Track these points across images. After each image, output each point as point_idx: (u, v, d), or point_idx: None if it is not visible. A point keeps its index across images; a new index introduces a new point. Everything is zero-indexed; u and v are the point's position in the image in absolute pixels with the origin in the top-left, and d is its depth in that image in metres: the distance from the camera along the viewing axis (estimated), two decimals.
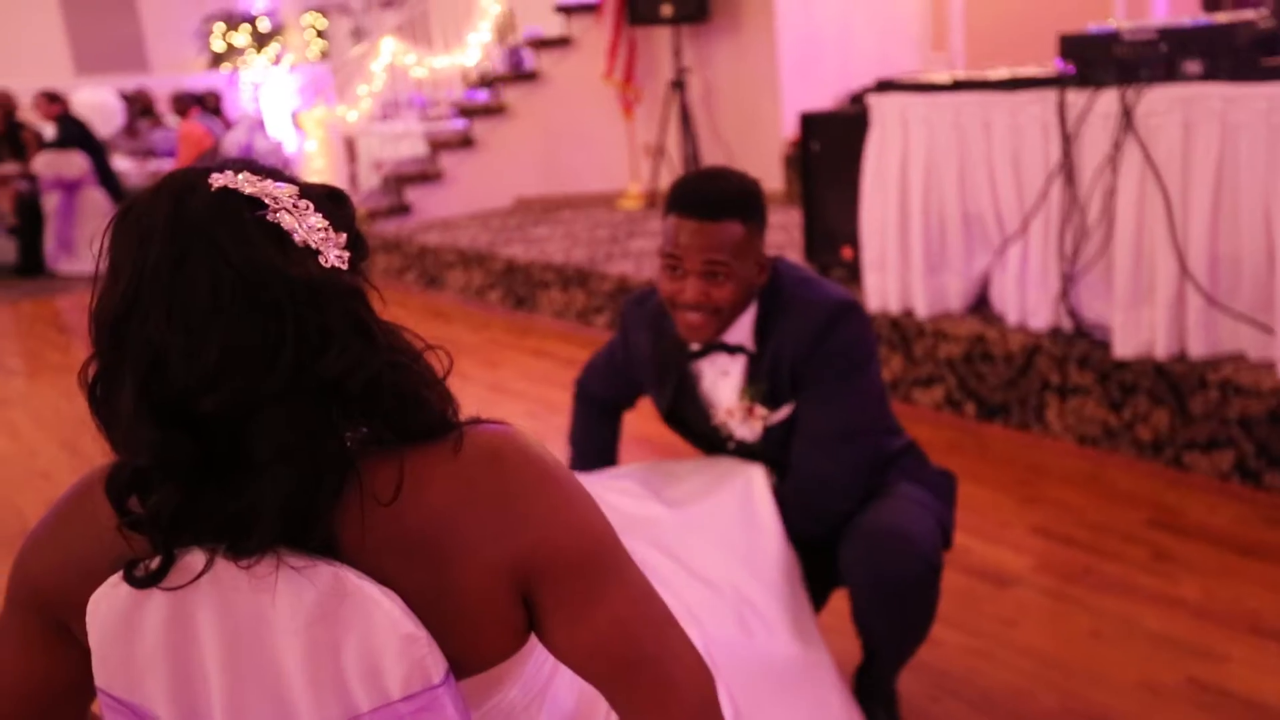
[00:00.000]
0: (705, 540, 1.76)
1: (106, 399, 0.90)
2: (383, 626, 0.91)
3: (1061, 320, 3.34)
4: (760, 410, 1.83)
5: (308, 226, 0.91)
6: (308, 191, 0.95)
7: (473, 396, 4.34)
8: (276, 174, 0.95)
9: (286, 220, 0.90)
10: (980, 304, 3.74)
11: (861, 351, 1.79)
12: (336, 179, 7.05)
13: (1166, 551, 2.68)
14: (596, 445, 2.16)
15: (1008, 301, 3.53)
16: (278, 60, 13.41)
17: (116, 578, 0.90)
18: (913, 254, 3.67)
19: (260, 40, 13.39)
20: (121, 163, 8.32)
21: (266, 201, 0.90)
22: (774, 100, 6.37)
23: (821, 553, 1.83)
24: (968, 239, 3.62)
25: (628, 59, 6.64)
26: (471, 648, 0.97)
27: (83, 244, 7.49)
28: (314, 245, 0.90)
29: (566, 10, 7.15)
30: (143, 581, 0.89)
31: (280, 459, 0.87)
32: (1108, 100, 3.07)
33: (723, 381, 1.87)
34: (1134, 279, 3.11)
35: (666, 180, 5.99)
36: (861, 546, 1.75)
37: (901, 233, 3.68)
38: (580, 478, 1.87)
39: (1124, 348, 3.15)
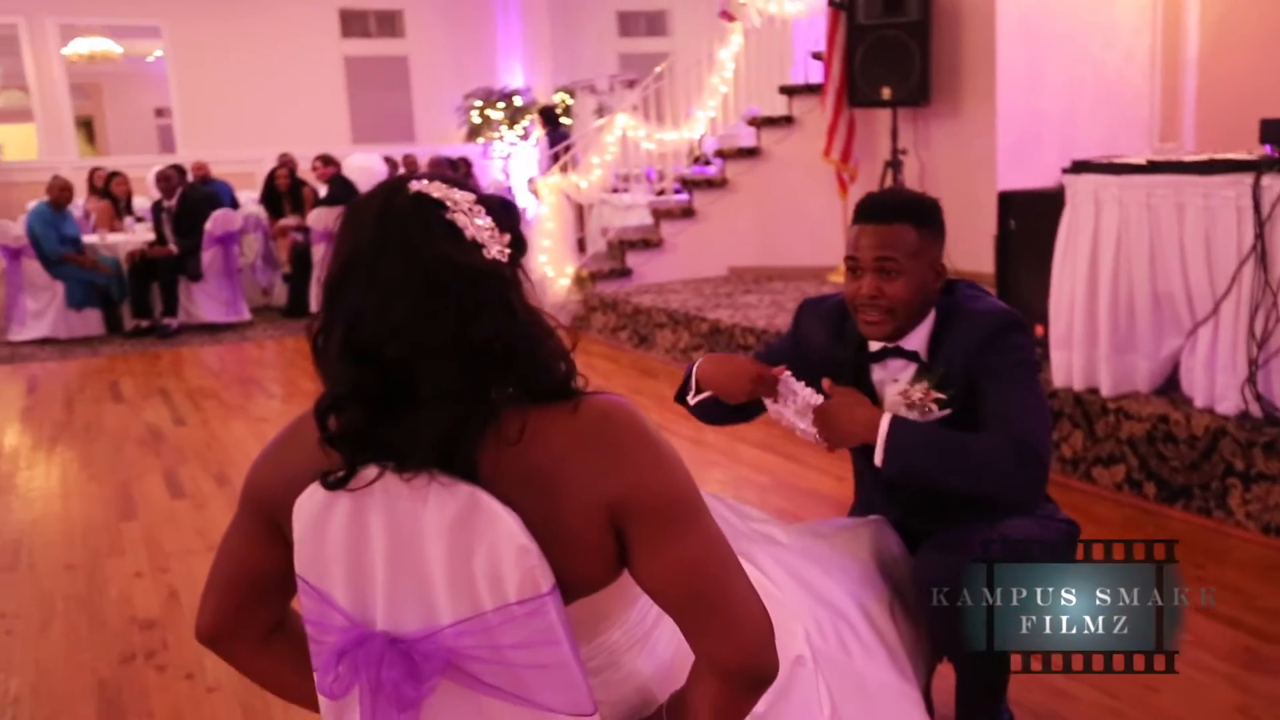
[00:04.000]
0: (820, 567, 1.88)
1: (323, 345, 1.21)
2: (504, 538, 1.17)
3: (1250, 405, 3.29)
4: (933, 394, 1.90)
5: (477, 225, 1.20)
6: (483, 199, 1.24)
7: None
8: (461, 184, 1.24)
9: (461, 220, 1.19)
10: (1170, 387, 3.71)
11: (1030, 357, 1.91)
12: (565, 242, 7.59)
13: None
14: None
15: (1195, 384, 3.50)
16: (526, 134, 14.44)
17: (315, 485, 1.21)
18: (1100, 332, 3.69)
19: (513, 115, 14.45)
20: None
21: (448, 204, 1.19)
22: (989, 183, 6.41)
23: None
24: (1157, 320, 3.62)
25: (846, 138, 6.87)
26: (573, 570, 1.21)
27: None
28: (481, 240, 1.19)
29: (790, 91, 7.48)
30: (332, 485, 1.18)
31: (439, 398, 1.15)
32: None
33: (890, 386, 1.97)
34: None
35: None
36: (927, 552, 1.88)
37: (1089, 311, 3.71)
38: (711, 501, 2.06)
39: None
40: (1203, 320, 3.43)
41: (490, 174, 14.01)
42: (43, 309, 7.83)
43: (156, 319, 7.98)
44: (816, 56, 7.22)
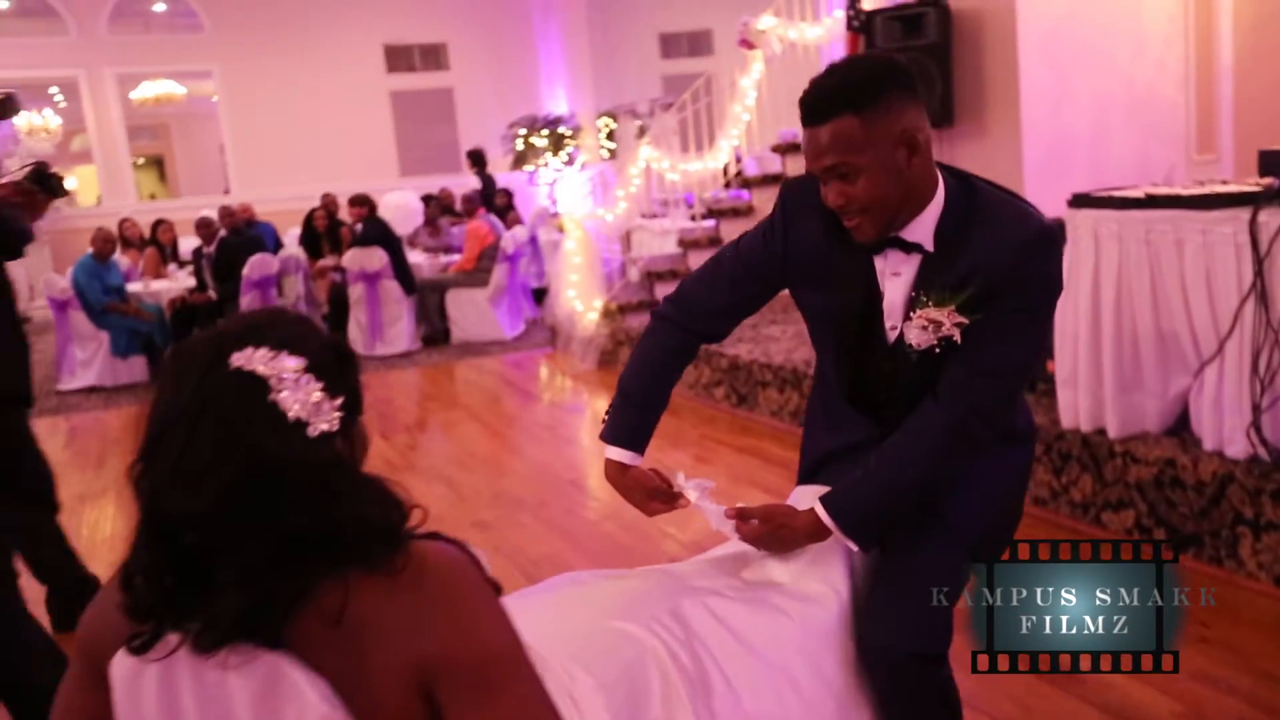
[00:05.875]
0: (767, 619, 1.76)
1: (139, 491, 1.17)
2: (309, 707, 1.13)
3: (1258, 449, 3.13)
4: (955, 317, 1.69)
5: (302, 401, 1.14)
6: (316, 361, 1.17)
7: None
8: (295, 344, 1.17)
9: (285, 399, 1.13)
10: (1181, 426, 3.55)
11: (1057, 284, 1.75)
12: (593, 276, 7.57)
13: None
14: (658, 380, 1.96)
15: (1204, 426, 3.34)
16: (571, 160, 14.49)
17: (124, 649, 1.18)
18: (1105, 372, 3.55)
19: (557, 142, 14.52)
20: (416, 256, 9.30)
21: (271, 383, 1.13)
22: None
23: None
24: (1163, 358, 3.47)
25: None
26: None
27: (382, 328, 8.42)
28: (305, 418, 1.14)
29: None
30: (135, 651, 1.15)
31: (240, 583, 1.10)
32: None
33: (892, 281, 1.78)
34: None
35: None
36: (871, 616, 1.76)
37: (1093, 349, 3.58)
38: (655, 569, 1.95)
39: None
40: (1208, 360, 3.28)
41: (536, 201, 14.08)
42: (90, 358, 8.03)
43: None
44: None
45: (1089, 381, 3.61)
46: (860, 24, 6.61)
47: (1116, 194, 3.55)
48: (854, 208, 1.68)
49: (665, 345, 1.96)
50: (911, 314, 1.73)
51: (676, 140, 9.16)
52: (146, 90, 14.81)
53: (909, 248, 1.74)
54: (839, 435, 1.96)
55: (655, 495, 1.90)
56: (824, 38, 7.10)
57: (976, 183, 1.77)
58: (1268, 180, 3.13)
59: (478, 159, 11.76)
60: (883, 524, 1.79)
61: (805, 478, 2.04)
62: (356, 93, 14.35)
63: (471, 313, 8.84)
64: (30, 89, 13.86)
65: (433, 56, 15.07)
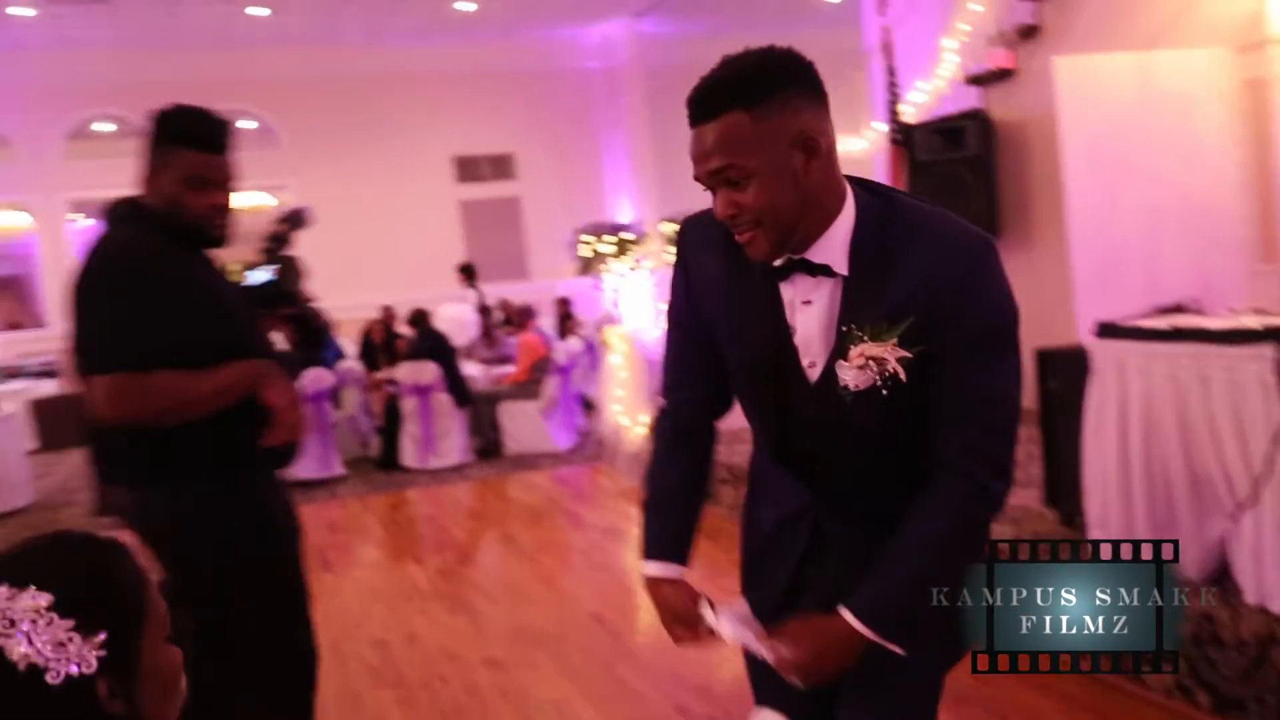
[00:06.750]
0: None
1: None
2: None
3: None
4: (899, 351, 1.49)
5: (38, 647, 1.03)
6: (67, 595, 1.05)
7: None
8: (42, 578, 1.05)
9: (14, 650, 1.03)
10: (1223, 574, 3.30)
11: (1014, 301, 1.55)
12: (639, 390, 7.50)
13: None
14: (669, 479, 1.79)
15: (1246, 577, 3.10)
16: (636, 265, 14.60)
17: None
18: (1137, 514, 3.34)
19: (622, 247, 14.66)
20: (472, 368, 9.36)
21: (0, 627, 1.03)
22: (1068, 319, 6.04)
23: None
24: (1197, 501, 3.25)
25: None
26: None
27: (435, 441, 8.45)
28: (40, 665, 1.03)
29: None
30: None
31: None
32: None
33: (804, 312, 1.58)
34: None
35: None
36: None
37: (1124, 490, 3.37)
38: None
39: None
40: (1244, 505, 3.06)
41: (602, 306, 14.19)
42: None
43: None
44: None
45: (1121, 525, 3.39)
46: (901, 137, 6.55)
47: (1143, 325, 3.38)
48: (745, 219, 1.49)
49: (664, 437, 1.80)
50: (849, 349, 1.52)
51: None
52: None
53: (816, 270, 1.55)
54: (773, 507, 1.76)
55: (679, 620, 1.70)
56: (867, 150, 7.05)
57: (897, 196, 1.59)
58: None
59: (469, 272, 11.66)
60: (914, 614, 1.58)
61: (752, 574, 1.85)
62: (427, 202, 14.77)
63: (524, 425, 8.82)
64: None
65: (501, 166, 15.44)
